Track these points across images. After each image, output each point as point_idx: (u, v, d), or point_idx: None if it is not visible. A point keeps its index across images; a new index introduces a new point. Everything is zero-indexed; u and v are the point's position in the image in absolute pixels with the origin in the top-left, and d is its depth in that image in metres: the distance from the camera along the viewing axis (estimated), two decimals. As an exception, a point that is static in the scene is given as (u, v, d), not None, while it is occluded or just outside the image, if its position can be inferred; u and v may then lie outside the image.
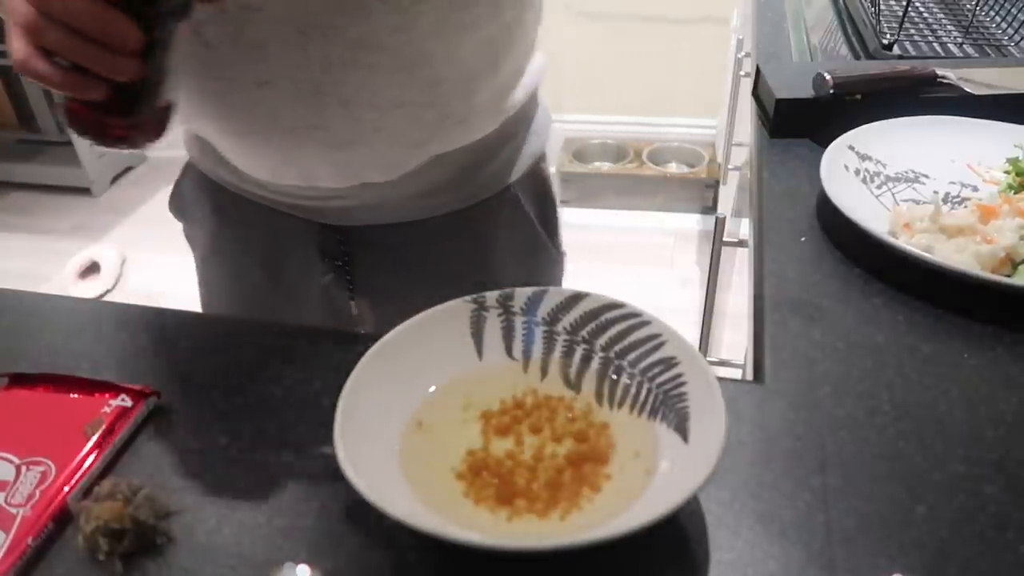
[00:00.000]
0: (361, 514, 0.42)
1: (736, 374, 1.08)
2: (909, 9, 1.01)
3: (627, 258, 2.36)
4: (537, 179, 0.76)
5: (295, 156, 0.63)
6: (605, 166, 2.61)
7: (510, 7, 0.60)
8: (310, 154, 0.62)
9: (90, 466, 0.45)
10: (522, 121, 0.73)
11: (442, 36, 0.57)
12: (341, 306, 0.76)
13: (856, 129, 0.71)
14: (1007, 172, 0.67)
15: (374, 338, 0.47)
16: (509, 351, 0.50)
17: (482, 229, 0.73)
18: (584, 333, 0.50)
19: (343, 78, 0.57)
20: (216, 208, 0.75)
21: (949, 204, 0.67)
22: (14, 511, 0.43)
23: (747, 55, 1.47)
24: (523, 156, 0.74)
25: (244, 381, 0.52)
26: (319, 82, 0.57)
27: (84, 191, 2.75)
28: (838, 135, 0.70)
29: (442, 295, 0.51)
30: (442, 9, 0.55)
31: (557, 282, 0.83)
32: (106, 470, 0.46)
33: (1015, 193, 0.64)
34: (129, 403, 0.49)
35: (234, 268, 0.78)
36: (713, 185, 2.46)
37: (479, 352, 0.50)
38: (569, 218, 2.73)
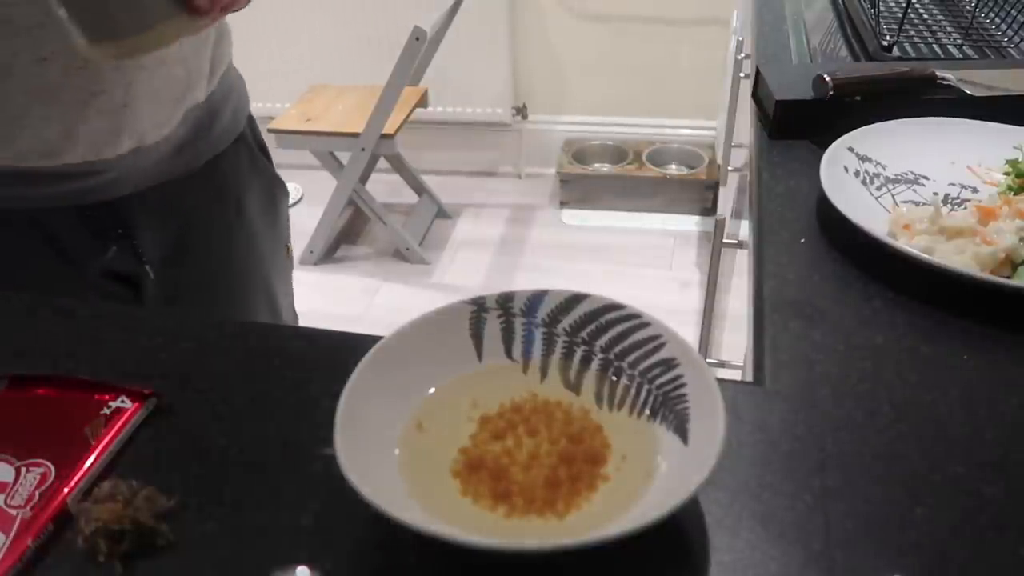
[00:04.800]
0: (361, 515, 0.42)
1: (736, 375, 1.08)
2: (909, 11, 1.01)
3: (627, 259, 2.36)
4: (254, 129, 0.94)
5: (78, 129, 0.69)
6: (605, 167, 2.61)
7: None
8: (92, 123, 0.69)
9: (90, 467, 0.45)
10: (236, 79, 0.88)
11: None
12: (131, 274, 0.81)
13: (856, 130, 0.71)
14: (1007, 174, 0.68)
15: (374, 339, 0.47)
16: (509, 353, 0.50)
17: (231, 173, 0.88)
18: (584, 334, 0.50)
19: None
20: None
21: (949, 206, 0.67)
22: (14, 513, 0.43)
23: (747, 57, 1.48)
24: (242, 109, 0.89)
25: (244, 382, 0.52)
26: None
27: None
28: (838, 136, 0.70)
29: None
30: None
31: (287, 208, 1.01)
32: (106, 471, 0.46)
33: (1015, 194, 0.65)
34: (129, 404, 0.49)
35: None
36: (713, 186, 2.46)
37: (479, 353, 0.50)
38: (569, 219, 2.73)
